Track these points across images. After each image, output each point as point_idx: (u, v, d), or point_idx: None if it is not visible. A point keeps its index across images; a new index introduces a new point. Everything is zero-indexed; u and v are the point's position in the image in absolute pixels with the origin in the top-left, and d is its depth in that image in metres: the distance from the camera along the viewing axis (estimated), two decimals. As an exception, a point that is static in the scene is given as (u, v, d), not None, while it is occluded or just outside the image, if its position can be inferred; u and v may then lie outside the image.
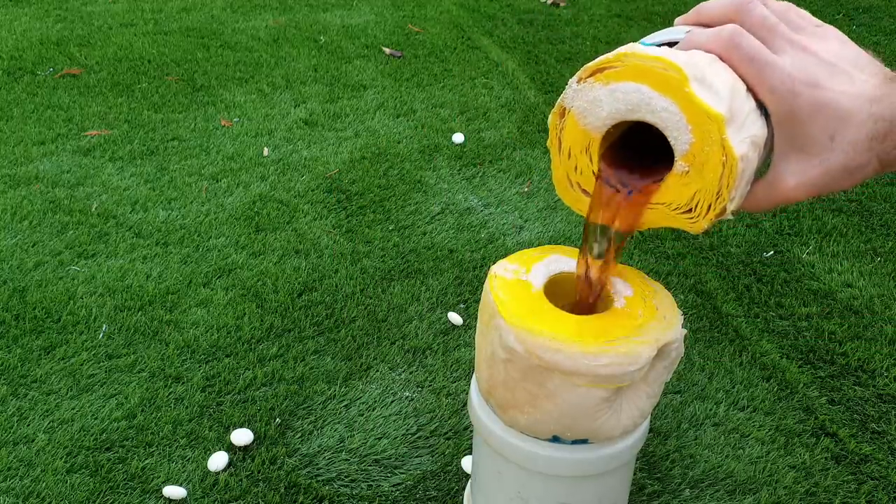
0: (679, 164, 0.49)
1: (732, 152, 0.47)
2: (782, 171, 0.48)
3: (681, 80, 0.46)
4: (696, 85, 0.46)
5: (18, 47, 2.03)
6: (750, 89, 0.48)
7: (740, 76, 0.47)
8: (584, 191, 0.55)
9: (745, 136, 0.47)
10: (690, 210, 0.51)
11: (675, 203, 0.52)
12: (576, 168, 0.55)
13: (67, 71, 1.90)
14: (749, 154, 0.47)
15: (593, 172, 0.54)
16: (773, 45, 0.47)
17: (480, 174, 1.51)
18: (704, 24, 0.51)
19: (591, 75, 0.50)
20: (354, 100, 1.80)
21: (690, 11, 0.52)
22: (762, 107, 0.48)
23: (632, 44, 0.50)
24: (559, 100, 0.52)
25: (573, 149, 0.54)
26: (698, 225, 0.51)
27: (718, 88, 0.46)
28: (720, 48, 0.48)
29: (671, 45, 0.51)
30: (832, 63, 0.46)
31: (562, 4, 2.48)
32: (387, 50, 2.08)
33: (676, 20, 0.53)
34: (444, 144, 1.62)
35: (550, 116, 0.53)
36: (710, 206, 0.50)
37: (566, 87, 0.52)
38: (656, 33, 0.54)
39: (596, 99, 0.50)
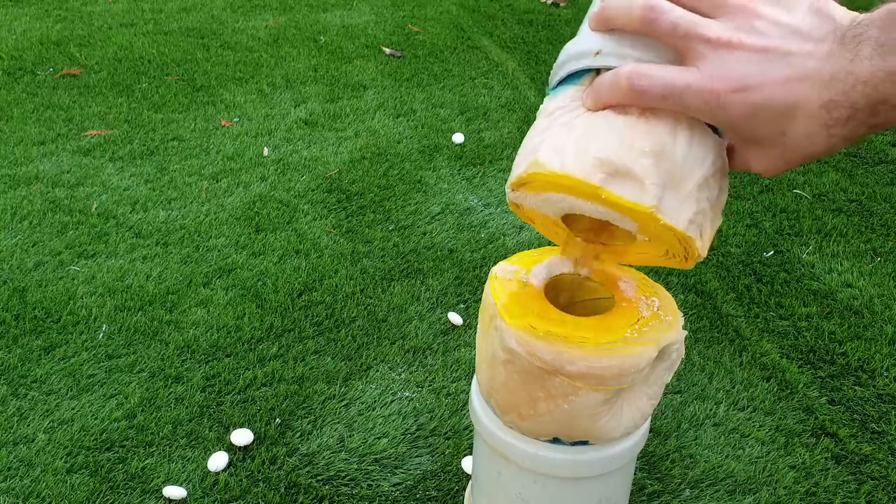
0: (639, 236, 0.49)
1: (679, 231, 0.45)
2: (746, 158, 0.45)
3: (594, 189, 0.44)
4: (614, 185, 0.44)
5: (18, 47, 2.03)
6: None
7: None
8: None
9: (692, 185, 0.45)
10: (670, 258, 0.52)
11: (652, 254, 0.53)
12: (555, 233, 0.57)
13: (67, 71, 1.90)
14: (701, 203, 0.46)
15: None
16: (691, 55, 0.41)
17: (480, 174, 1.51)
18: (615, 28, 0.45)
19: (519, 187, 0.49)
20: (354, 100, 1.80)
21: (598, 13, 0.45)
22: None
23: (534, 148, 0.47)
24: (507, 194, 0.51)
25: (544, 223, 0.55)
26: (685, 266, 0.51)
27: (639, 171, 0.44)
28: (627, 100, 0.44)
29: (585, 72, 0.47)
30: (764, 49, 0.40)
31: (562, 4, 2.47)
32: (387, 50, 2.08)
33: (589, 24, 0.47)
34: (444, 144, 1.62)
35: (509, 204, 0.53)
36: (685, 257, 0.50)
37: (505, 189, 0.50)
38: (567, 52, 0.48)
39: (535, 203, 0.50)
